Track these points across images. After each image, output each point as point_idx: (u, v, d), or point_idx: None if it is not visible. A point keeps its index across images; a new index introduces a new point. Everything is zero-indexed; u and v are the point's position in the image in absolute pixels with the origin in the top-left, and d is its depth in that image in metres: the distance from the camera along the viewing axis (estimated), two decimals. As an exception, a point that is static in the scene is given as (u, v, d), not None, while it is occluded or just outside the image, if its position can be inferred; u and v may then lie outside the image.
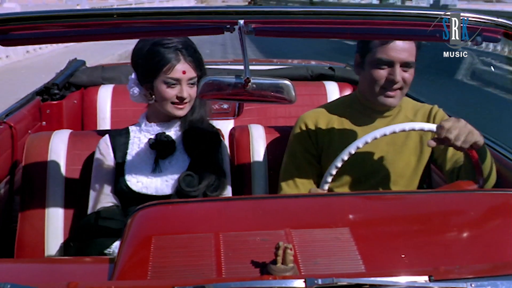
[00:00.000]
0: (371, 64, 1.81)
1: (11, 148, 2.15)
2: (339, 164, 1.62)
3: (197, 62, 1.87)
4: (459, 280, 1.03)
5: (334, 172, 1.63)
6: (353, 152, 1.62)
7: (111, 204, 1.84)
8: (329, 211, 1.36)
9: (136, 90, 1.89)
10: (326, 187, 1.65)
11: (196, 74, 1.87)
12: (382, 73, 1.80)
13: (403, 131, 1.63)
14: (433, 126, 1.62)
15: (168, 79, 1.83)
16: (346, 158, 1.62)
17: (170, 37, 1.82)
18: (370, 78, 1.82)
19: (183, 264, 1.10)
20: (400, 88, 1.82)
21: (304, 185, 1.86)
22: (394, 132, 1.63)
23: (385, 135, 1.62)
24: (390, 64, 1.79)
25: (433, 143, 1.61)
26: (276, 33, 1.64)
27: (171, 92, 1.84)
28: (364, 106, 1.90)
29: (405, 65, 1.79)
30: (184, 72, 1.83)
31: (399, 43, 1.77)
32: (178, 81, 1.83)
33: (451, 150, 1.82)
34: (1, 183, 2.05)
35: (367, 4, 28.27)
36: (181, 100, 1.85)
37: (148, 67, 1.84)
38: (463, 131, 1.58)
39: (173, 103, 1.85)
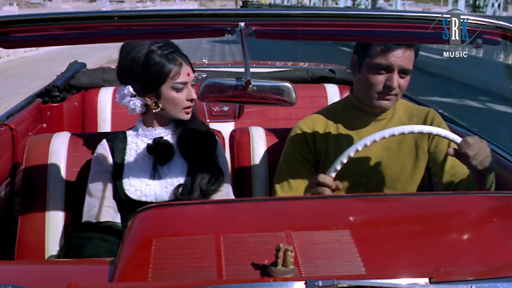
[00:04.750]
0: (369, 68, 1.80)
1: (12, 150, 2.15)
2: (352, 154, 1.59)
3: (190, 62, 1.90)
4: (460, 281, 1.03)
5: (345, 160, 1.60)
6: (360, 148, 1.59)
7: (108, 219, 1.82)
8: (329, 213, 1.37)
9: (138, 102, 1.85)
10: (333, 175, 1.61)
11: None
12: (380, 78, 1.79)
13: (430, 133, 1.64)
14: (458, 139, 1.61)
15: (177, 84, 1.83)
16: (352, 154, 1.60)
17: (158, 42, 1.82)
18: (367, 82, 1.81)
19: (183, 265, 1.10)
20: (396, 94, 1.82)
21: (298, 189, 1.85)
22: (422, 133, 1.64)
23: (422, 133, 1.63)
24: (389, 69, 1.78)
25: (452, 153, 1.61)
26: (276, 35, 1.64)
27: (181, 97, 1.85)
28: (359, 109, 1.89)
29: (403, 72, 1.79)
30: (188, 74, 1.86)
31: (399, 50, 1.77)
32: (185, 84, 1.85)
33: (449, 162, 1.82)
34: (2, 185, 2.05)
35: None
36: (192, 102, 1.87)
37: (151, 76, 1.82)
38: (482, 153, 1.58)
39: (184, 107, 1.86)
